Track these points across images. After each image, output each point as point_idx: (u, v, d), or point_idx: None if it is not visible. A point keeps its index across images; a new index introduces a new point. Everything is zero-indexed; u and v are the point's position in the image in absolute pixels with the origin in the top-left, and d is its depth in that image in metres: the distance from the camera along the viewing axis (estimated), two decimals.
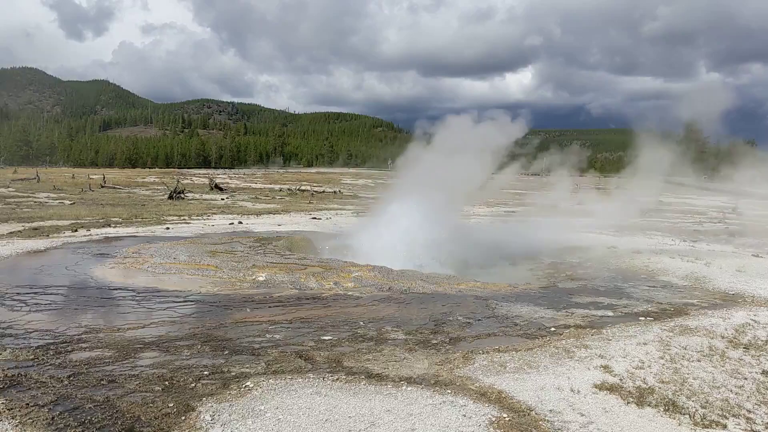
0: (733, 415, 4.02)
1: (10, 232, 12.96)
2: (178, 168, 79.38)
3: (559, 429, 3.70)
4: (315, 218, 19.55)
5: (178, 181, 35.12)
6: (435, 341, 5.64)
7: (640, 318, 6.85)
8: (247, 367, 4.66)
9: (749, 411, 4.11)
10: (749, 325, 6.54)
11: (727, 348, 5.60)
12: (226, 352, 5.05)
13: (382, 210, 14.30)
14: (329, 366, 4.77)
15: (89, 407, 3.76)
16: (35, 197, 26.14)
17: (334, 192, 40.48)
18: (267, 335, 5.66)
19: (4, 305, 6.52)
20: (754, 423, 3.92)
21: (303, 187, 41.96)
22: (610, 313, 7.11)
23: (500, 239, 14.24)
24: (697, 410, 4.07)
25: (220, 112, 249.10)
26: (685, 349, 5.51)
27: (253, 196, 33.18)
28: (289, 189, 41.22)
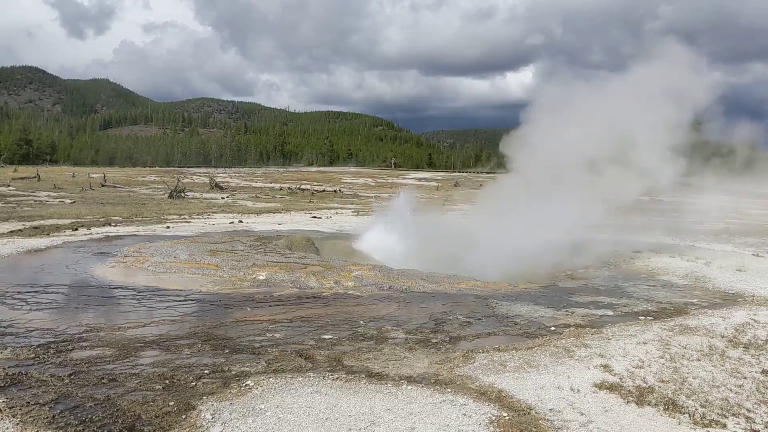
0: (733, 414, 4.03)
1: (11, 231, 12.97)
2: (179, 167, 79.42)
3: (559, 428, 3.71)
4: (315, 217, 19.56)
5: (179, 180, 35.16)
6: (435, 340, 5.65)
7: (640, 317, 6.85)
8: (247, 366, 4.66)
9: (749, 410, 4.12)
10: (749, 324, 6.54)
11: (727, 347, 5.61)
12: (227, 351, 5.06)
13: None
14: (329, 365, 4.78)
15: (90, 406, 3.76)
16: (36, 196, 26.16)
17: (335, 191, 40.51)
18: (267, 334, 5.67)
19: (5, 304, 6.53)
20: (754, 422, 3.92)
21: (303, 186, 42.00)
22: (610, 313, 7.11)
23: None
24: (696, 409, 4.07)
25: (221, 111, 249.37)
26: (685, 348, 5.52)
27: (254, 195, 33.22)
28: (289, 188, 41.25)
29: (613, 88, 10.27)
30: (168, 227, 14.95)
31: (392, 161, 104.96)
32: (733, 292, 8.60)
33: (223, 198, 30.44)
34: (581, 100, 10.41)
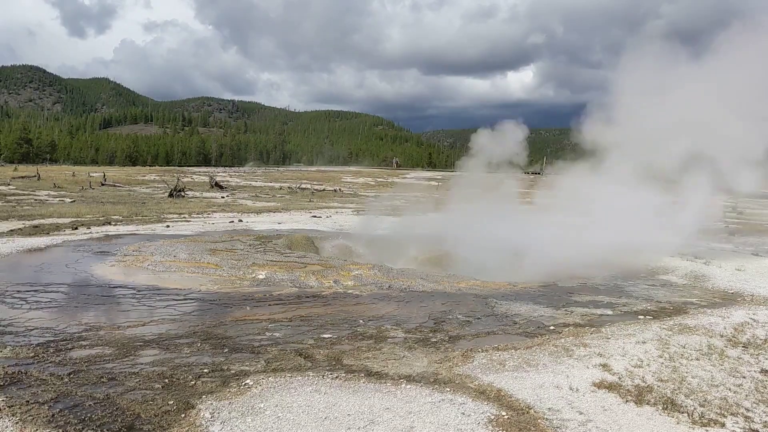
0: (732, 414, 4.03)
1: (11, 230, 12.97)
2: (179, 166, 79.49)
3: (557, 427, 3.71)
4: (315, 216, 19.56)
5: (179, 179, 35.14)
6: (434, 339, 5.65)
7: (640, 317, 6.85)
8: (246, 365, 4.67)
9: (747, 409, 4.12)
10: (748, 323, 6.54)
11: (726, 347, 5.61)
12: (226, 350, 5.06)
13: None
14: (329, 364, 4.78)
15: (89, 405, 3.77)
16: (36, 195, 26.17)
17: (335, 190, 40.52)
18: (267, 333, 5.67)
19: (5, 303, 6.53)
20: (753, 421, 3.92)
21: (303, 186, 42.02)
22: (610, 312, 7.11)
23: None
24: (695, 409, 4.07)
25: (221, 110, 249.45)
26: (684, 347, 5.52)
27: (254, 195, 33.22)
28: (289, 187, 41.26)
29: (704, 71, 8.61)
30: (168, 226, 14.95)
31: (394, 161, 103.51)
32: (732, 291, 8.60)
33: (222, 197, 30.44)
34: (674, 82, 8.86)
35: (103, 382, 4.19)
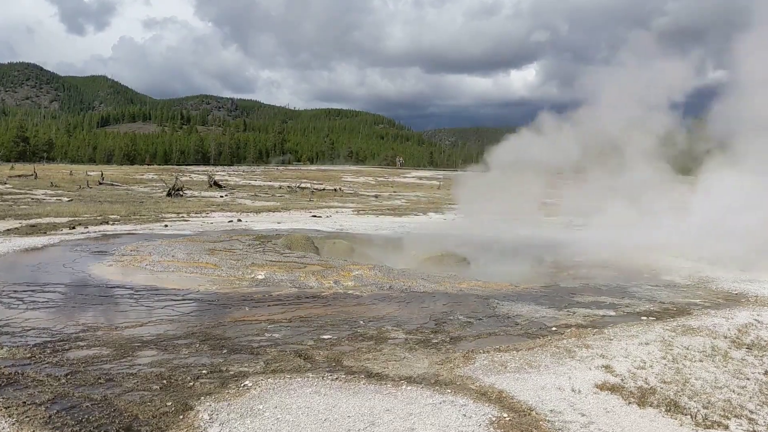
0: (735, 416, 3.99)
1: (7, 229, 12.91)
2: (177, 165, 79.37)
3: (559, 429, 3.67)
4: (315, 216, 19.52)
5: (177, 178, 35.08)
6: (435, 340, 5.61)
7: (643, 317, 6.81)
8: (245, 366, 4.62)
9: (751, 412, 4.08)
10: (752, 325, 6.51)
11: (730, 348, 5.57)
12: (225, 351, 5.02)
13: None
14: (329, 365, 4.74)
15: (87, 406, 3.72)
16: (32, 194, 26.10)
17: (335, 189, 40.48)
18: (266, 334, 5.62)
19: (1, 303, 6.48)
20: (756, 424, 3.89)
21: (303, 185, 41.97)
22: (612, 313, 7.07)
23: None
24: (698, 411, 4.04)
25: (220, 108, 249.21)
26: (688, 349, 5.48)
27: (253, 194, 33.17)
28: (288, 186, 41.22)
29: None
30: (166, 226, 14.90)
31: (398, 160, 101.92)
32: (736, 292, 8.56)
33: (221, 196, 30.39)
34: None
35: (100, 383, 4.14)
